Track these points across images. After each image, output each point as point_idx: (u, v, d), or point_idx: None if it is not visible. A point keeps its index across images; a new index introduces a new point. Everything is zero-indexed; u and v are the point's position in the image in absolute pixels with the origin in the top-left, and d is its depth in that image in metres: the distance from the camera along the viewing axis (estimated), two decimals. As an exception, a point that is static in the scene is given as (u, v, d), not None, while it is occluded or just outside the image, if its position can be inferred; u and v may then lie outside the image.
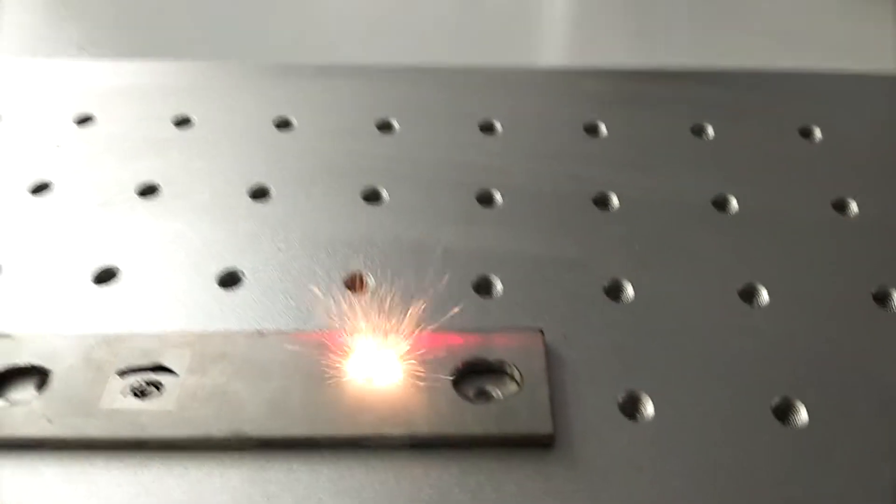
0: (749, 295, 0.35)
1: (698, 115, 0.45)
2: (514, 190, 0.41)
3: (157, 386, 0.30)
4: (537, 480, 0.28)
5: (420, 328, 0.32)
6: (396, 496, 0.28)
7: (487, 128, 0.45)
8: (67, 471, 0.29)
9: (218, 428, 0.29)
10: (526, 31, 0.59)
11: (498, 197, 0.40)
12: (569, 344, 0.33)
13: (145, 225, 0.38)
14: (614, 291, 0.35)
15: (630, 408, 0.31)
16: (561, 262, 0.37)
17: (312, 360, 0.31)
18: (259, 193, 0.40)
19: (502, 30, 0.58)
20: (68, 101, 0.46)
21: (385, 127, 0.45)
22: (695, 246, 0.37)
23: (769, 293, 0.35)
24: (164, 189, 0.41)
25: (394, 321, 0.32)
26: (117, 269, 0.36)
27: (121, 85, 0.48)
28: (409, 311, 0.32)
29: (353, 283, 0.36)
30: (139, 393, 0.30)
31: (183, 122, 0.45)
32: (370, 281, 0.35)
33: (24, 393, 0.31)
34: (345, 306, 0.33)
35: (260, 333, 0.33)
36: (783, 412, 0.31)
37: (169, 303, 0.35)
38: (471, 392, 0.31)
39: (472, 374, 0.31)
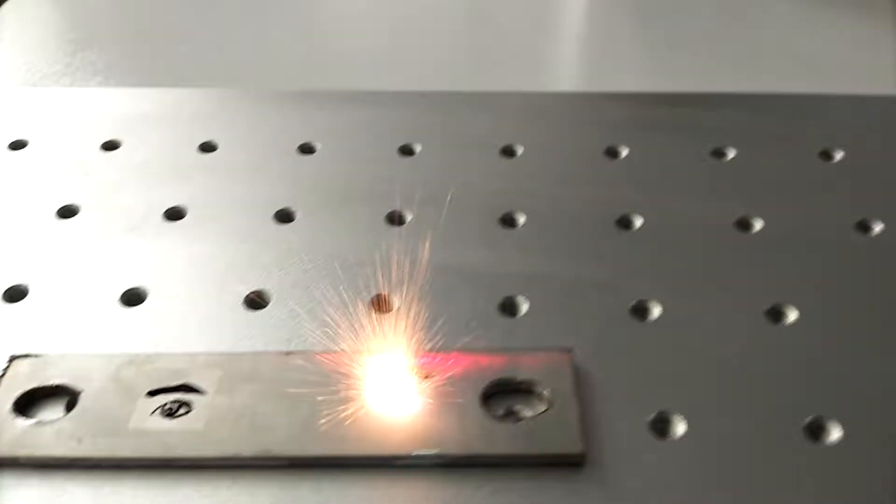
0: (776, 314, 0.35)
1: (718, 138, 0.46)
2: (537, 212, 0.41)
3: (187, 406, 0.31)
4: (569, 499, 0.28)
5: (446, 349, 0.32)
6: (427, 516, 0.28)
7: (508, 152, 0.45)
8: (97, 492, 0.29)
9: (247, 448, 0.29)
10: (542, 55, 0.59)
11: (521, 219, 0.41)
12: (597, 364, 0.33)
13: (172, 248, 0.39)
14: (641, 312, 0.35)
15: (661, 427, 0.30)
16: (586, 282, 0.37)
17: (340, 380, 0.31)
18: (284, 217, 0.41)
19: (518, 55, 0.58)
20: (95, 127, 0.47)
21: (407, 151, 0.46)
22: (720, 266, 0.38)
23: (796, 313, 0.35)
24: (191, 213, 0.41)
25: (419, 342, 0.32)
26: (145, 290, 0.36)
27: (146, 112, 0.49)
28: (435, 332, 0.32)
29: (379, 304, 0.36)
30: (168, 413, 0.30)
31: (208, 148, 0.46)
32: (395, 301, 0.36)
33: (53, 413, 0.31)
34: (370, 327, 0.33)
35: (288, 354, 0.33)
36: (815, 431, 0.30)
37: (197, 324, 0.35)
38: (499, 412, 0.31)
39: (500, 395, 0.31)
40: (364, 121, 0.48)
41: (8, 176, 0.44)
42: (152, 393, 0.31)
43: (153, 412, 0.30)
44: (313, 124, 0.47)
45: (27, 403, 0.31)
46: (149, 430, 0.30)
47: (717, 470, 0.29)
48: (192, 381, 0.31)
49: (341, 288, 0.36)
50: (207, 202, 0.42)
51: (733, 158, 0.45)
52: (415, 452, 0.29)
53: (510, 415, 0.31)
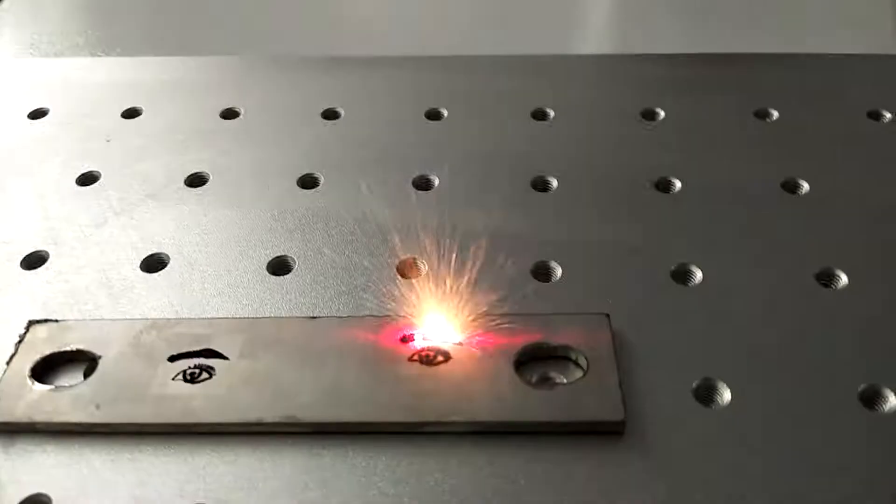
0: (828, 278, 0.33)
1: (761, 98, 0.44)
2: (570, 176, 0.39)
3: (209, 371, 0.29)
4: (607, 469, 0.27)
5: (477, 313, 0.30)
6: (459, 484, 0.26)
7: (539, 115, 0.44)
8: (116, 457, 0.28)
9: (270, 413, 0.28)
10: (571, 17, 0.57)
11: (554, 183, 0.39)
12: (636, 330, 0.31)
13: (194, 214, 0.38)
14: (682, 276, 0.33)
15: (705, 394, 0.29)
16: (623, 246, 0.35)
17: (367, 345, 0.30)
18: (308, 182, 0.39)
19: (547, 16, 0.56)
20: (115, 95, 0.46)
21: (434, 116, 0.44)
22: (765, 229, 0.36)
23: (848, 276, 0.33)
24: (213, 179, 0.40)
25: (450, 307, 0.31)
26: (167, 256, 0.35)
27: (168, 80, 0.48)
28: (465, 297, 0.31)
29: (406, 270, 0.34)
30: (190, 378, 0.29)
31: (230, 115, 0.45)
32: (423, 267, 0.34)
33: (72, 379, 0.30)
34: (398, 292, 0.32)
35: (313, 319, 0.31)
36: (870, 399, 0.28)
37: (219, 290, 0.34)
38: (533, 378, 0.29)
39: (534, 360, 0.30)
40: (389, 86, 0.46)
41: (28, 144, 0.43)
42: (173, 358, 0.30)
43: (174, 377, 0.29)
44: (336, 90, 0.46)
45: (46, 369, 0.30)
46: (170, 395, 0.29)
47: (764, 439, 0.27)
48: (215, 346, 0.30)
49: (367, 253, 0.35)
50: (230, 168, 0.41)
51: (777, 119, 0.42)
52: (445, 419, 0.28)
53: (545, 381, 0.29)
